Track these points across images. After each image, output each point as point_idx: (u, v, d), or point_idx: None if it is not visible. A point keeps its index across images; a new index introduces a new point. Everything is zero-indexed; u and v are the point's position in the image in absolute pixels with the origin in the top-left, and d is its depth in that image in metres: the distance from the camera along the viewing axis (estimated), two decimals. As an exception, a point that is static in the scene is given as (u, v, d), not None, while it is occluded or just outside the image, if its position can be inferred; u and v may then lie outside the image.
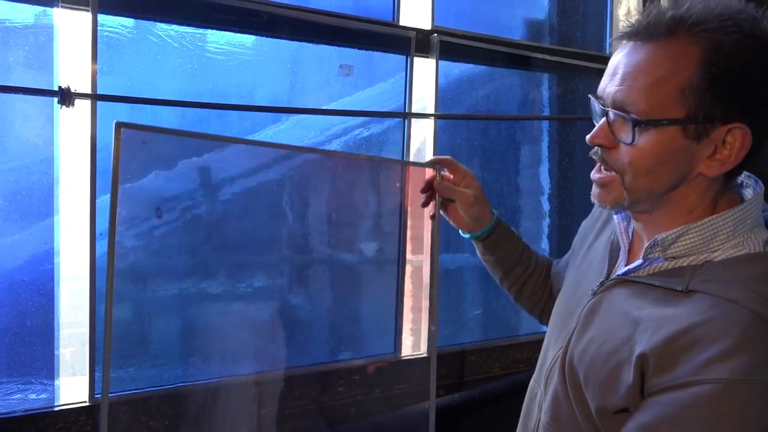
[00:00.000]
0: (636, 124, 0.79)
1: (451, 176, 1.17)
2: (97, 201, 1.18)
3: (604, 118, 0.84)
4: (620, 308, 0.85)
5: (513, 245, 1.23)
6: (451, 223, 1.21)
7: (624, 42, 0.84)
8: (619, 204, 0.86)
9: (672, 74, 0.77)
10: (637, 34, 0.81)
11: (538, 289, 1.26)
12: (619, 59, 0.83)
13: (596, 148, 0.86)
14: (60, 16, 1.19)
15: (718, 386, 0.70)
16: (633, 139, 0.80)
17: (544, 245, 1.95)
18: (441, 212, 1.19)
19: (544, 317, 1.28)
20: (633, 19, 0.83)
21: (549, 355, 0.98)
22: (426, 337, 1.58)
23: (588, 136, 0.86)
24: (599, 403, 0.82)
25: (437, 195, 1.17)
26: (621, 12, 2.01)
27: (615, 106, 0.82)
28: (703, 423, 0.71)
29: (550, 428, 0.92)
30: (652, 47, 0.79)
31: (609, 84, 0.83)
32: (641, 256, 0.86)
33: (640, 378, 0.77)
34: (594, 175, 0.88)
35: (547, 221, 1.94)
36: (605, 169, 0.86)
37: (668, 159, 0.80)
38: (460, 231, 1.21)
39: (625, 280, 0.87)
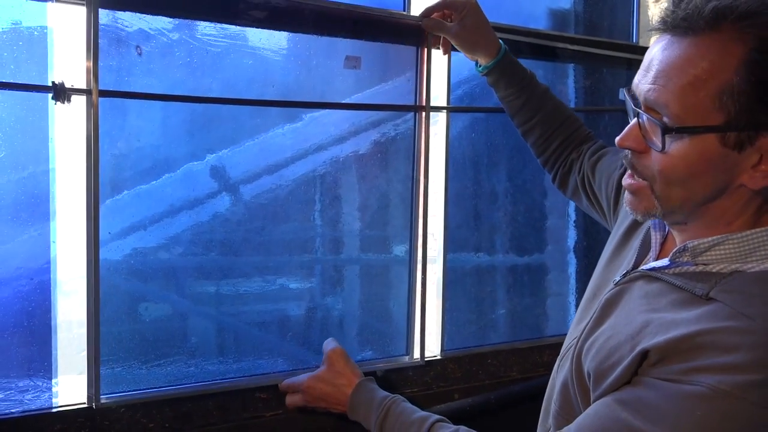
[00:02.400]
0: (666, 130, 0.72)
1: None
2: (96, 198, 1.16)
3: (635, 119, 0.77)
4: (635, 305, 0.81)
5: (512, 93, 1.33)
6: None
7: (660, 34, 0.75)
8: (650, 214, 0.80)
9: (710, 75, 0.69)
10: (674, 26, 0.72)
11: (542, 143, 1.36)
12: (654, 54, 0.75)
13: (626, 151, 0.79)
14: (55, 11, 1.17)
15: (706, 390, 0.66)
16: (663, 146, 0.73)
17: (570, 242, 1.88)
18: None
19: (547, 169, 1.41)
20: (670, 8, 0.73)
21: (566, 341, 0.95)
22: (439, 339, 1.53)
23: (617, 138, 0.79)
24: (596, 397, 0.79)
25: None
26: (650, -1, 1.92)
27: (647, 107, 0.75)
28: (676, 417, 0.67)
29: (559, 417, 0.88)
30: (690, 43, 0.71)
31: (642, 80, 0.76)
32: (669, 258, 0.80)
33: (636, 368, 0.74)
34: (625, 180, 0.82)
35: (572, 217, 1.87)
36: (636, 176, 0.80)
37: (703, 169, 0.73)
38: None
39: (648, 275, 0.82)
